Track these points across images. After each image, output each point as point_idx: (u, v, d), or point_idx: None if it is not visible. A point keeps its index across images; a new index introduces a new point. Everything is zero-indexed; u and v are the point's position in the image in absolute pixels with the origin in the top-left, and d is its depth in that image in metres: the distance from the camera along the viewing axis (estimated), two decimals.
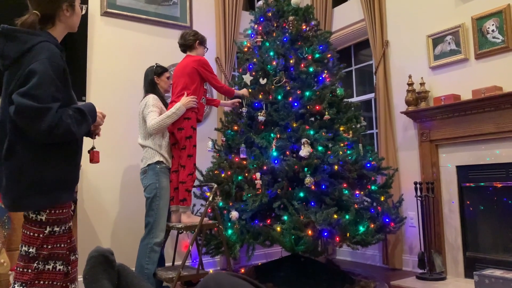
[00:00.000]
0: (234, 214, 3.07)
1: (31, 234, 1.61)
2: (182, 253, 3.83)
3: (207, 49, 3.38)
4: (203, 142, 4.05)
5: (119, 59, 3.81)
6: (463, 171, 3.46)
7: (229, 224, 3.11)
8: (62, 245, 1.67)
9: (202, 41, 3.27)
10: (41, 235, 1.61)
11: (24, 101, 1.48)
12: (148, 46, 4.00)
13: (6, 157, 1.56)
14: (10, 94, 1.54)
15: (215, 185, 3.02)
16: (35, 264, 1.60)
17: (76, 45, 3.49)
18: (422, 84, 3.67)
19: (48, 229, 1.62)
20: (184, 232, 2.95)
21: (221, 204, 3.21)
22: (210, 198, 2.93)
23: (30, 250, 1.60)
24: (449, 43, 3.56)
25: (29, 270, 1.60)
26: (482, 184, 3.35)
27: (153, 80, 3.25)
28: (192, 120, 3.03)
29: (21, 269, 1.61)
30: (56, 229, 1.65)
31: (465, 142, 3.42)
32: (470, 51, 3.43)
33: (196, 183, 3.45)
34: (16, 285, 1.59)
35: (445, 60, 3.58)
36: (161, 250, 3.17)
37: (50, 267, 1.63)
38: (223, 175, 3.33)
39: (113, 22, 3.83)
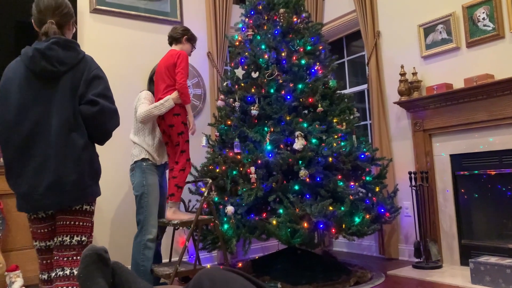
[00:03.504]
0: (230, 209, 3.07)
1: (84, 224, 1.84)
2: (179, 249, 3.83)
3: (195, 48, 3.30)
4: (196, 138, 4.04)
5: (109, 56, 3.79)
6: (457, 160, 3.47)
7: (225, 219, 3.11)
8: None
9: (190, 38, 3.21)
10: (90, 224, 1.88)
11: (105, 103, 1.78)
12: (138, 42, 3.97)
13: (83, 150, 1.77)
14: (81, 96, 1.78)
15: (210, 180, 3.02)
16: None
17: None
18: (414, 74, 3.67)
19: (93, 218, 1.90)
20: (180, 228, 2.95)
21: (216, 199, 3.21)
22: (205, 194, 2.93)
23: (83, 238, 1.84)
24: (440, 32, 3.56)
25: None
26: (476, 172, 3.36)
27: (151, 78, 3.25)
28: (182, 116, 3.00)
29: (74, 257, 1.82)
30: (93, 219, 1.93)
31: (458, 131, 3.43)
32: (462, 39, 3.43)
33: (191, 178, 3.45)
34: (67, 271, 1.78)
35: (436, 49, 3.58)
36: (158, 247, 3.17)
37: None
38: (217, 170, 3.33)
39: (102, 19, 3.79)
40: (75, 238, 1.81)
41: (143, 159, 3.04)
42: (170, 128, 2.99)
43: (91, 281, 1.22)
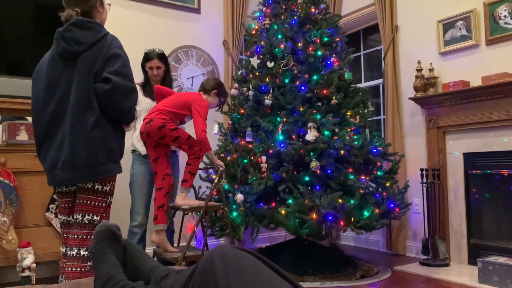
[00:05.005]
0: (239, 197, 3.08)
1: (96, 204, 1.86)
2: (187, 235, 3.86)
3: (222, 103, 3.11)
4: (209, 125, 4.03)
5: (125, 40, 3.73)
6: (470, 158, 3.44)
7: (234, 206, 3.12)
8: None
9: (220, 94, 3.01)
10: (104, 204, 1.89)
11: (119, 80, 1.76)
12: (155, 27, 3.98)
13: (93, 128, 1.77)
14: (95, 74, 1.79)
15: (221, 168, 3.03)
16: None
17: None
18: (431, 70, 3.63)
19: (109, 199, 1.91)
20: (190, 213, 2.98)
21: (226, 186, 3.23)
22: (216, 181, 2.94)
23: (95, 218, 1.85)
24: (459, 28, 3.51)
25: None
26: (488, 171, 3.33)
27: (142, 66, 3.27)
28: (168, 124, 2.72)
29: (84, 236, 1.83)
30: (111, 199, 1.94)
31: (473, 129, 3.39)
32: (481, 36, 3.38)
33: (202, 165, 3.47)
34: (81, 250, 1.81)
35: (455, 46, 3.53)
36: (171, 233, 3.24)
37: None
38: (228, 158, 3.34)
39: (119, 2, 3.80)
40: (86, 216, 1.84)
41: (132, 150, 3.21)
42: (162, 140, 2.78)
43: (103, 256, 1.24)
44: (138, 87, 3.21)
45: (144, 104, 3.18)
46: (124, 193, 3.38)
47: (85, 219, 1.84)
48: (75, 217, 1.86)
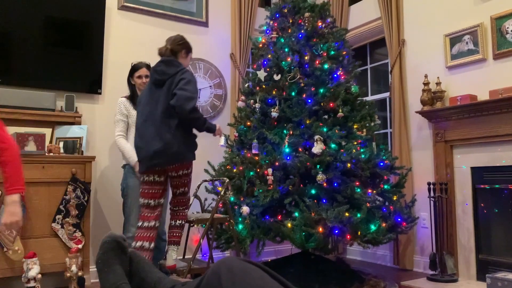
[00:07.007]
0: (245, 209, 3.07)
1: (184, 181, 2.71)
2: (193, 247, 3.84)
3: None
4: (215, 137, 4.05)
5: (135, 52, 3.84)
6: (478, 173, 3.41)
7: (240, 219, 3.11)
8: None
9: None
10: (188, 180, 2.74)
11: (180, 92, 2.51)
12: (162, 40, 4.01)
13: (177, 128, 2.54)
14: (173, 94, 2.53)
15: (227, 180, 3.03)
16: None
17: (93, 38, 3.52)
18: (438, 83, 3.62)
19: (190, 176, 2.74)
20: (195, 225, 2.97)
21: (232, 199, 3.22)
22: (222, 193, 2.94)
23: (186, 189, 2.77)
24: (466, 42, 3.51)
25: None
26: (497, 186, 3.30)
27: (128, 81, 3.31)
28: None
29: (183, 199, 2.81)
30: (191, 176, 2.77)
31: (481, 143, 3.37)
32: (488, 51, 3.38)
33: (208, 177, 3.47)
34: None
35: (462, 60, 3.53)
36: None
37: None
38: (235, 170, 3.34)
39: (129, 15, 3.86)
40: (180, 189, 2.73)
41: (124, 165, 3.23)
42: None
43: (109, 267, 1.24)
44: (124, 99, 3.24)
45: (134, 118, 3.11)
46: (117, 207, 3.37)
47: (180, 190, 2.74)
48: (174, 191, 2.75)
